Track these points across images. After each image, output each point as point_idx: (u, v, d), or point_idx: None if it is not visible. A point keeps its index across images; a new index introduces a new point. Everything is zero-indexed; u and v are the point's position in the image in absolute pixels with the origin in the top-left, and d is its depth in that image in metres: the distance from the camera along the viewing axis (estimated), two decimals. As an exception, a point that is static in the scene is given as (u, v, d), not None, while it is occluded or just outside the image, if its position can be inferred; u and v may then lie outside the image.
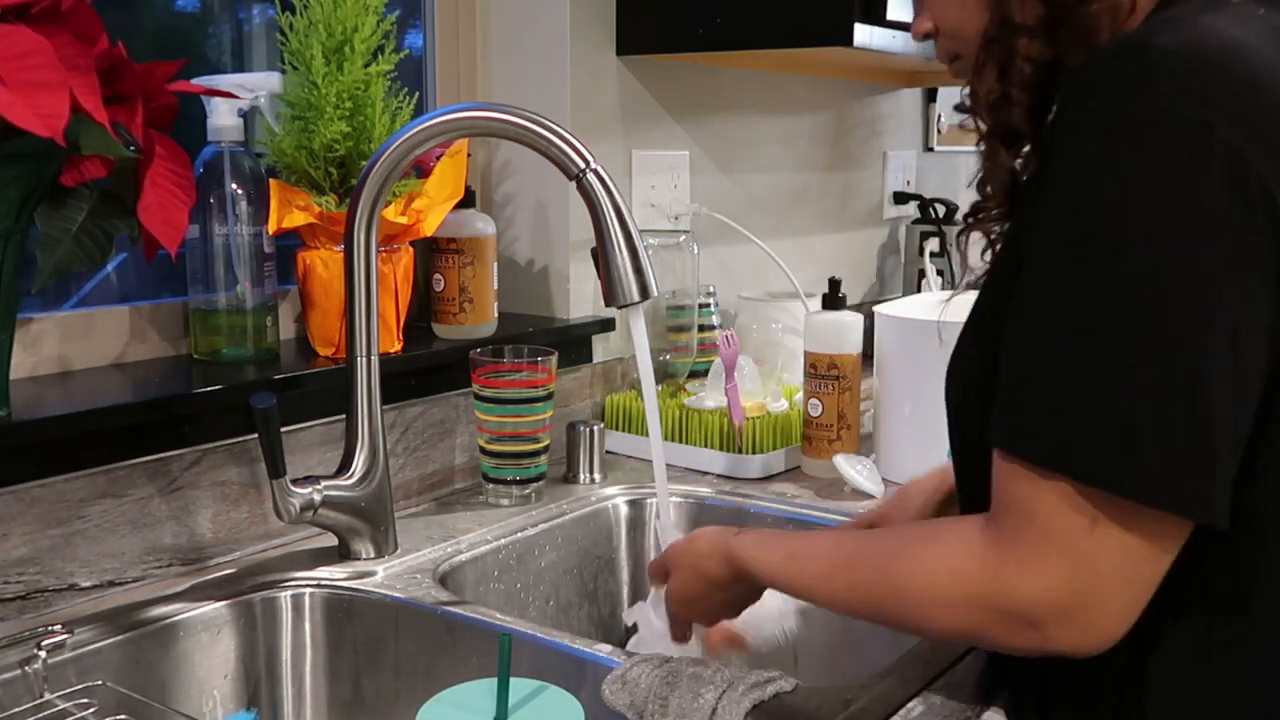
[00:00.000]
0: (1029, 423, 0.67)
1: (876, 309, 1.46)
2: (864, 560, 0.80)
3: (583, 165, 0.99)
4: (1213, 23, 0.68)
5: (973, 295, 0.82)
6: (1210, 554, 0.69)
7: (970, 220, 0.82)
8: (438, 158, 1.34)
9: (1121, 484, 0.64)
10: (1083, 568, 0.66)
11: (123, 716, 0.87)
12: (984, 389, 0.72)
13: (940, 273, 2.13)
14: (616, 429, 1.51)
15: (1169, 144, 0.64)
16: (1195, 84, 0.64)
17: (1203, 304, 0.63)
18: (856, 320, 1.42)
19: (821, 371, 1.40)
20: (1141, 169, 0.64)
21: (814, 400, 1.40)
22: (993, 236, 0.81)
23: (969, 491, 0.83)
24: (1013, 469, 0.68)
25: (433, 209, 1.31)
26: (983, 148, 0.79)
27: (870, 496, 1.34)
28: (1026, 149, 0.79)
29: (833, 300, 1.43)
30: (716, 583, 0.93)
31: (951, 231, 2.17)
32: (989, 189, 0.80)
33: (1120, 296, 0.64)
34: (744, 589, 0.93)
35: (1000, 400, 0.70)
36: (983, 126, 0.79)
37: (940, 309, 0.93)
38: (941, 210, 2.19)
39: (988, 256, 0.82)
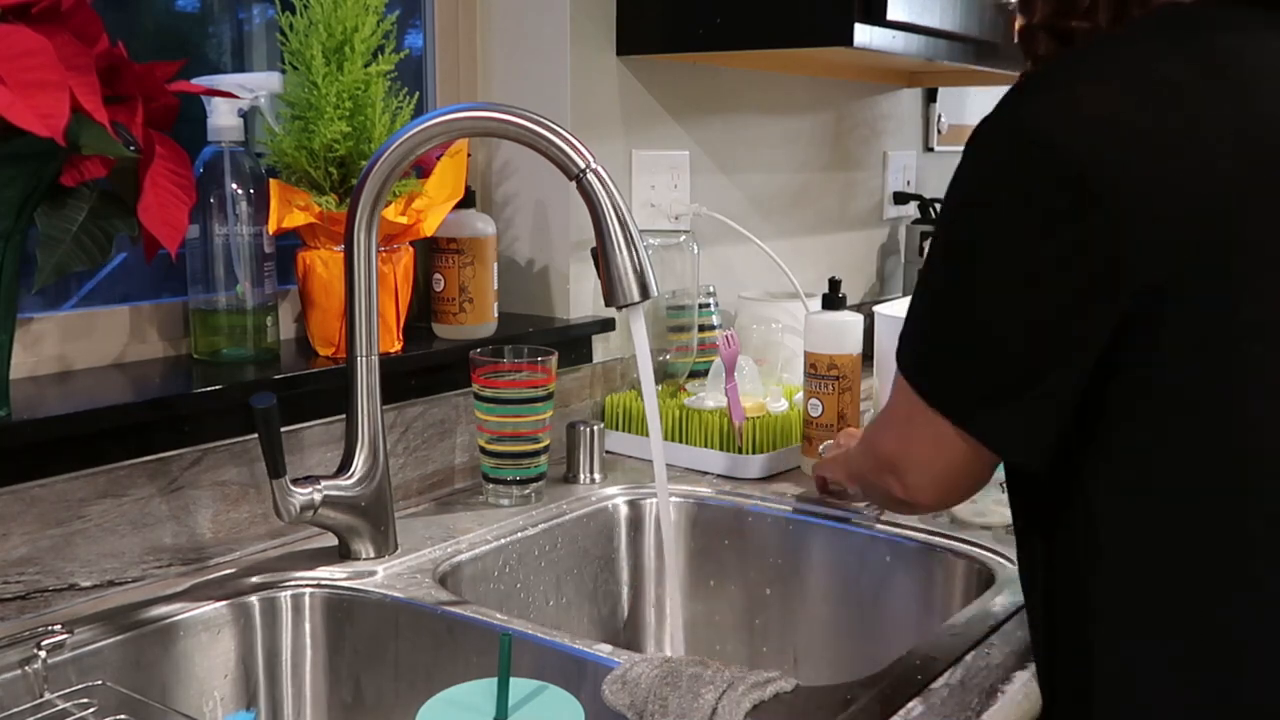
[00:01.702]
0: (900, 341, 0.83)
1: (876, 309, 1.46)
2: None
3: (583, 165, 0.99)
4: (1124, 59, 0.74)
5: None
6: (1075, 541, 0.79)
7: None
8: (438, 158, 1.34)
9: (922, 386, 0.80)
10: (906, 436, 0.83)
11: (123, 716, 0.87)
12: None
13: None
14: (616, 429, 1.51)
15: (1009, 149, 0.75)
16: (1052, 113, 0.73)
17: (1006, 262, 0.74)
18: (856, 320, 1.42)
19: (821, 371, 1.40)
20: (982, 171, 0.76)
21: (814, 400, 1.40)
22: None
23: None
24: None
25: (433, 209, 1.31)
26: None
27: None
28: None
29: (833, 300, 1.43)
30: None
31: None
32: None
33: (949, 251, 0.78)
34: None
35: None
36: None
37: None
38: (941, 210, 2.19)
39: None
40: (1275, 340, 0.71)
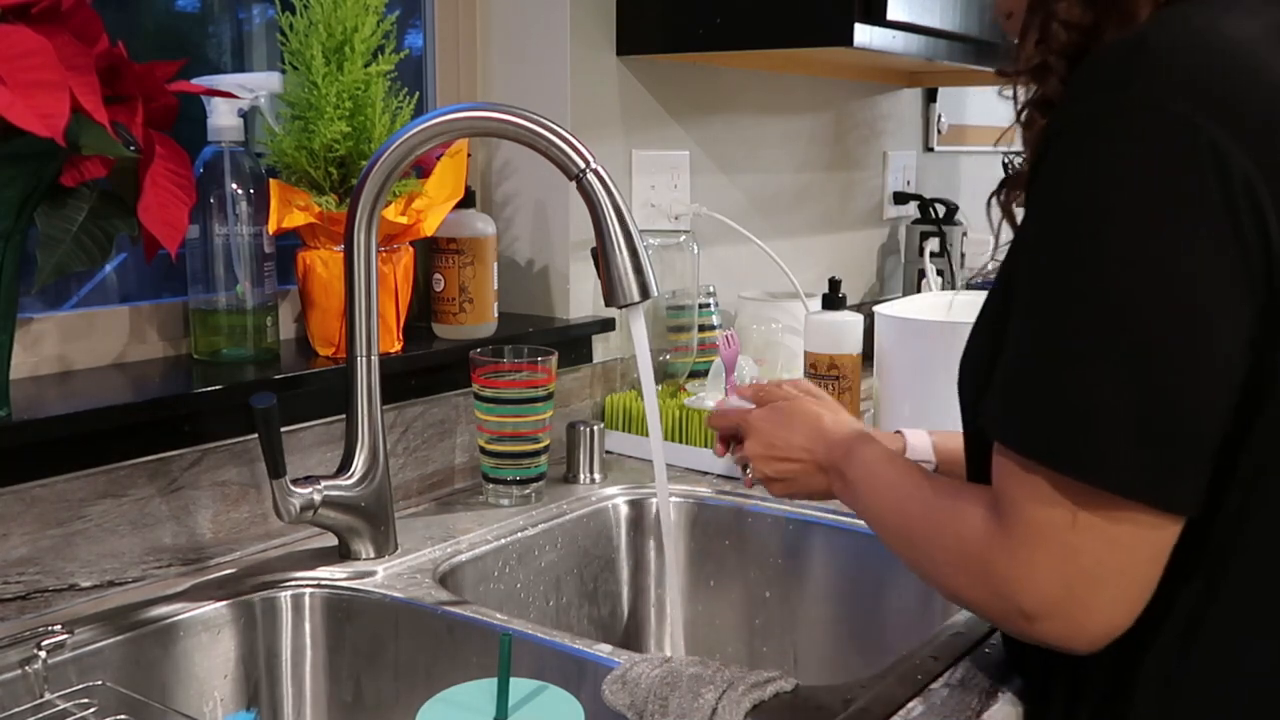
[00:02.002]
0: (1014, 414, 0.69)
1: (876, 309, 1.47)
2: (911, 504, 0.82)
3: (583, 165, 0.99)
4: (1215, 21, 0.68)
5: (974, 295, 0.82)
6: (1191, 552, 0.69)
7: (1002, 191, 0.81)
8: (438, 158, 1.34)
9: (1095, 474, 0.65)
10: (1067, 561, 0.67)
11: (123, 716, 0.87)
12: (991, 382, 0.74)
13: (940, 273, 2.13)
14: (616, 429, 1.51)
15: (1156, 143, 0.64)
16: (1186, 84, 0.65)
17: (1180, 305, 0.64)
18: (856, 320, 1.42)
19: (821, 372, 1.40)
20: (1128, 169, 0.65)
21: None
22: (1015, 210, 0.81)
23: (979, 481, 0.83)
24: (1002, 458, 0.70)
25: (433, 209, 1.31)
26: (1022, 117, 0.79)
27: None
28: None
29: (833, 300, 1.43)
30: (802, 459, 0.96)
31: (952, 232, 2.18)
32: (1023, 158, 0.79)
33: (1099, 296, 0.65)
34: (819, 481, 0.95)
35: (992, 391, 0.71)
36: (1020, 94, 0.78)
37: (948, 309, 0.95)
38: (941, 210, 2.19)
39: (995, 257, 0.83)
40: None
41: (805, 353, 1.42)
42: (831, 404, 1.04)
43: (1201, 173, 0.63)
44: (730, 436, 1.08)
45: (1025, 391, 0.68)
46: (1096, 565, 0.66)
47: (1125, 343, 0.64)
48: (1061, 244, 0.67)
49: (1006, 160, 0.82)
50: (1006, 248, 0.80)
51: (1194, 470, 0.66)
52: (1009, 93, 0.79)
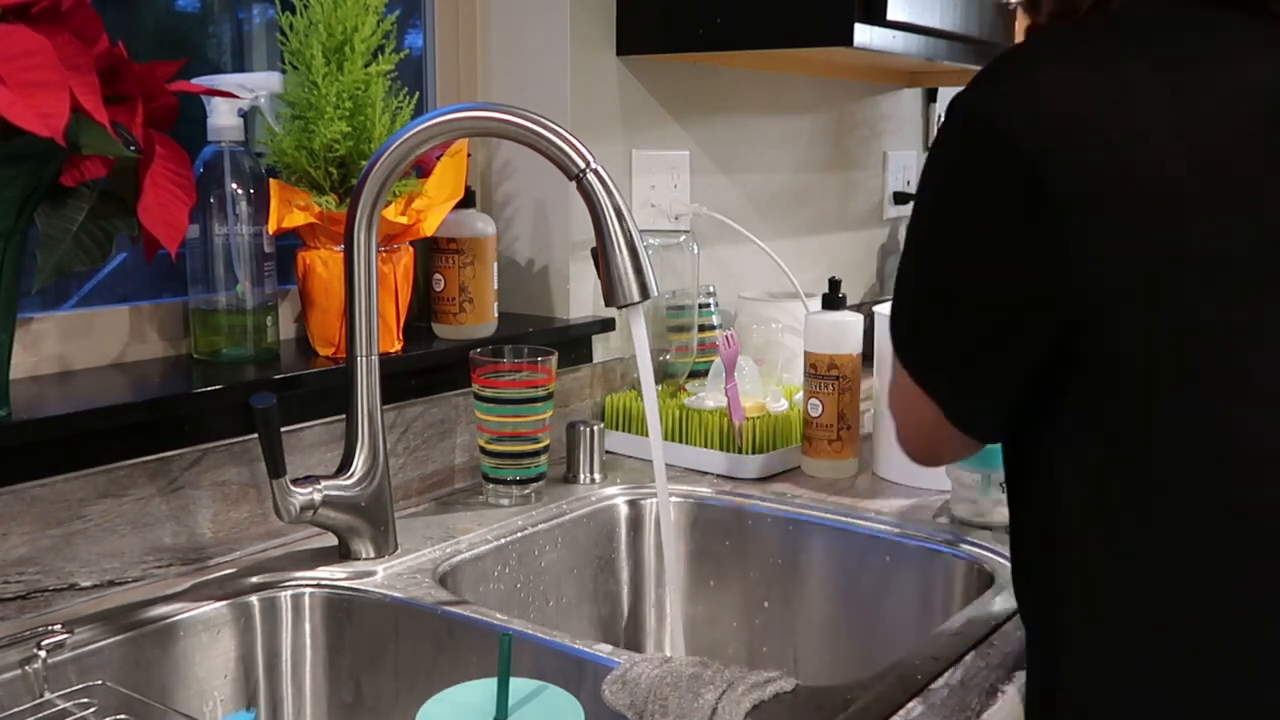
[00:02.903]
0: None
1: (876, 309, 1.46)
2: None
3: (583, 165, 0.99)
4: (1085, 47, 0.74)
5: None
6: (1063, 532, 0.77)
7: None
8: (438, 158, 1.34)
9: (902, 355, 0.83)
10: (895, 392, 0.87)
11: (123, 716, 0.87)
12: None
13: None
14: (616, 429, 1.51)
15: (971, 145, 0.74)
16: (1011, 102, 0.72)
17: (956, 247, 0.76)
18: (857, 320, 1.42)
19: (821, 372, 1.40)
20: (942, 165, 0.77)
21: (814, 400, 1.40)
22: None
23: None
24: None
25: (433, 209, 1.31)
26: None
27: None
28: None
29: (833, 300, 1.43)
30: None
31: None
32: None
33: (913, 233, 0.80)
34: None
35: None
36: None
37: None
38: (941, 210, 2.19)
39: None
40: (1230, 341, 0.70)
41: (805, 353, 1.42)
42: None
43: (980, 153, 0.73)
44: None
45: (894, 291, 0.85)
46: (897, 403, 0.88)
47: (918, 271, 0.80)
48: (912, 215, 0.82)
49: None
50: None
51: (963, 377, 0.79)
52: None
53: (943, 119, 0.78)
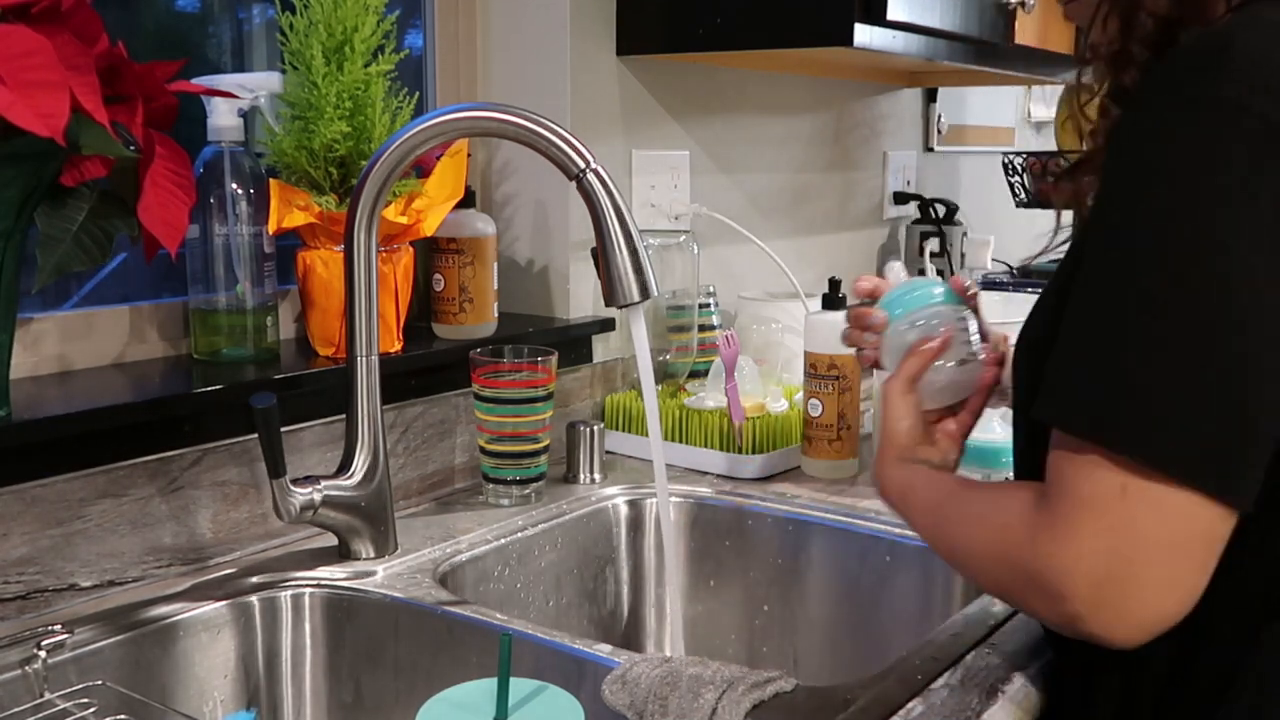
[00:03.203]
0: (1069, 394, 0.68)
1: (877, 309, 1.46)
2: (949, 507, 0.82)
3: (583, 165, 0.99)
4: None
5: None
6: (1243, 551, 0.68)
7: (1070, 172, 0.81)
8: (438, 158, 1.34)
9: (1146, 449, 0.64)
10: (1114, 534, 0.65)
11: (123, 716, 0.87)
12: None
13: (940, 273, 2.13)
14: (616, 429, 1.51)
15: (1237, 142, 0.64)
16: (1268, 86, 0.64)
17: (1248, 299, 0.63)
18: None
19: (821, 372, 1.40)
20: (1209, 165, 0.64)
21: (814, 400, 1.40)
22: (1085, 197, 0.79)
23: (1029, 465, 0.81)
24: (1057, 441, 0.69)
25: (433, 209, 1.31)
26: (1091, 104, 0.79)
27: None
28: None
29: (833, 300, 1.43)
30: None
31: (952, 232, 2.18)
32: (1096, 142, 0.78)
33: (1166, 282, 0.64)
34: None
35: (1047, 372, 0.70)
36: (1093, 80, 0.78)
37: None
38: (941, 210, 2.19)
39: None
40: None
41: (805, 353, 1.42)
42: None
43: (1276, 166, 0.63)
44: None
45: (1080, 372, 0.67)
46: (1143, 542, 0.64)
47: (1185, 331, 0.64)
48: (1133, 233, 0.67)
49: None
50: (1067, 233, 0.80)
51: (1247, 456, 0.64)
52: (1085, 77, 0.79)
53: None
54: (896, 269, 1.04)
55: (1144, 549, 0.65)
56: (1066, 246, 0.83)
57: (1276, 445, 0.66)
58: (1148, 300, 0.65)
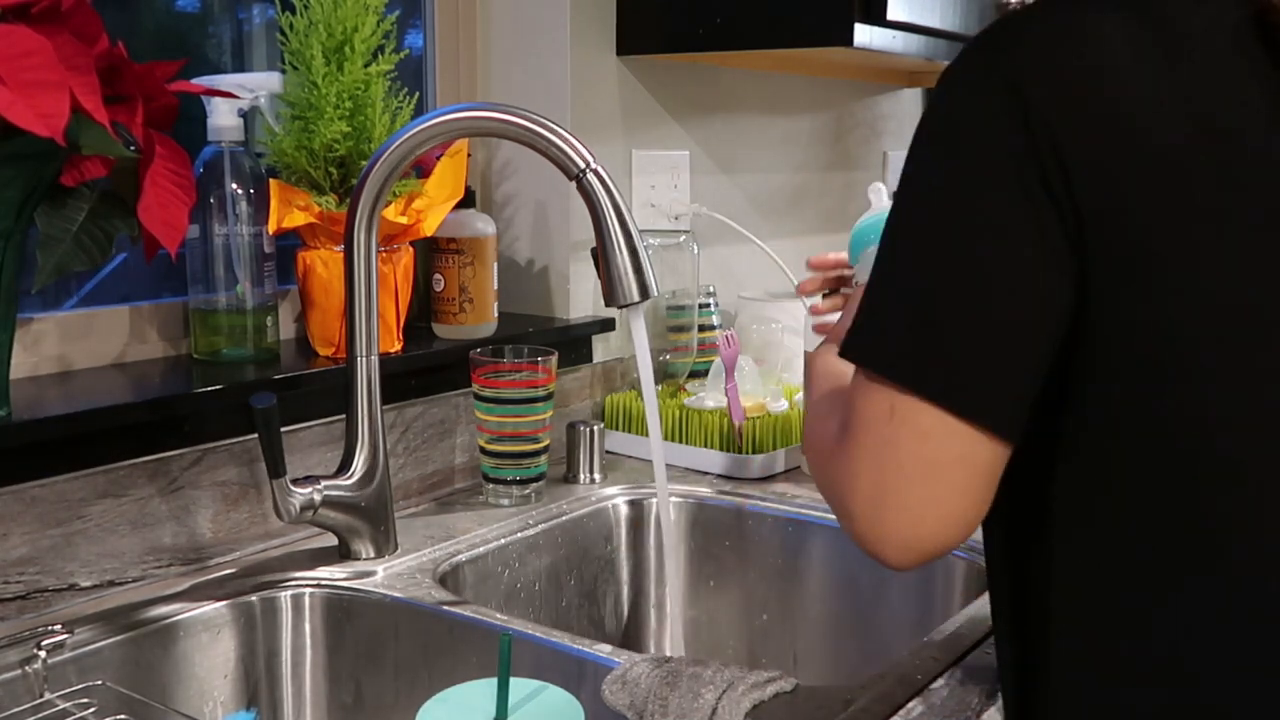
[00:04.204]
0: (855, 330, 0.73)
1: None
2: (811, 401, 0.89)
3: (583, 165, 0.99)
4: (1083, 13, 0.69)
5: None
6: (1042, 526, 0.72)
7: None
8: (438, 158, 1.34)
9: (903, 373, 0.68)
10: (880, 453, 0.69)
11: (123, 716, 0.87)
12: None
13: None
14: (616, 429, 1.51)
15: (978, 96, 0.68)
16: (1029, 56, 0.67)
17: (980, 228, 0.67)
18: None
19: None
20: (950, 118, 0.70)
21: None
22: None
23: None
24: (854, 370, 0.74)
25: (433, 209, 1.31)
26: None
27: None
28: None
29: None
30: None
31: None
32: None
33: (909, 219, 0.70)
34: None
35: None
36: None
37: None
38: (941, 210, 2.19)
39: None
40: (1229, 316, 0.66)
41: (805, 354, 1.41)
42: None
43: (1004, 122, 0.67)
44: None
45: (865, 310, 0.73)
46: (904, 461, 0.69)
47: (929, 260, 0.69)
48: (901, 186, 0.72)
49: None
50: None
51: (998, 381, 0.68)
52: None
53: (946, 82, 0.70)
54: (880, 191, 1.08)
55: (905, 469, 0.69)
56: None
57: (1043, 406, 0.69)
58: (904, 242, 0.71)
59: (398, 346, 1.31)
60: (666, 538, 1.07)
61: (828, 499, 0.77)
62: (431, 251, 1.40)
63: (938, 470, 0.68)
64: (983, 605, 1.05)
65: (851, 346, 0.73)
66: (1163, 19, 0.68)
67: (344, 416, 1.13)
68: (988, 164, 0.67)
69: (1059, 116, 0.66)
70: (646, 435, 1.37)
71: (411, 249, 1.33)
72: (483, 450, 1.31)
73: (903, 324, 0.69)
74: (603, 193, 0.99)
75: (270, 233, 1.20)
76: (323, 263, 1.25)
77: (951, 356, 0.68)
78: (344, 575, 1.11)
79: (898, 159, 2.25)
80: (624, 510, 1.37)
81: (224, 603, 1.05)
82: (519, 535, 1.25)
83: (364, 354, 1.11)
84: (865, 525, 0.71)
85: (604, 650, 0.96)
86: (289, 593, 1.09)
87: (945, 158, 0.69)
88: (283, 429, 1.04)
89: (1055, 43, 0.68)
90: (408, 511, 1.29)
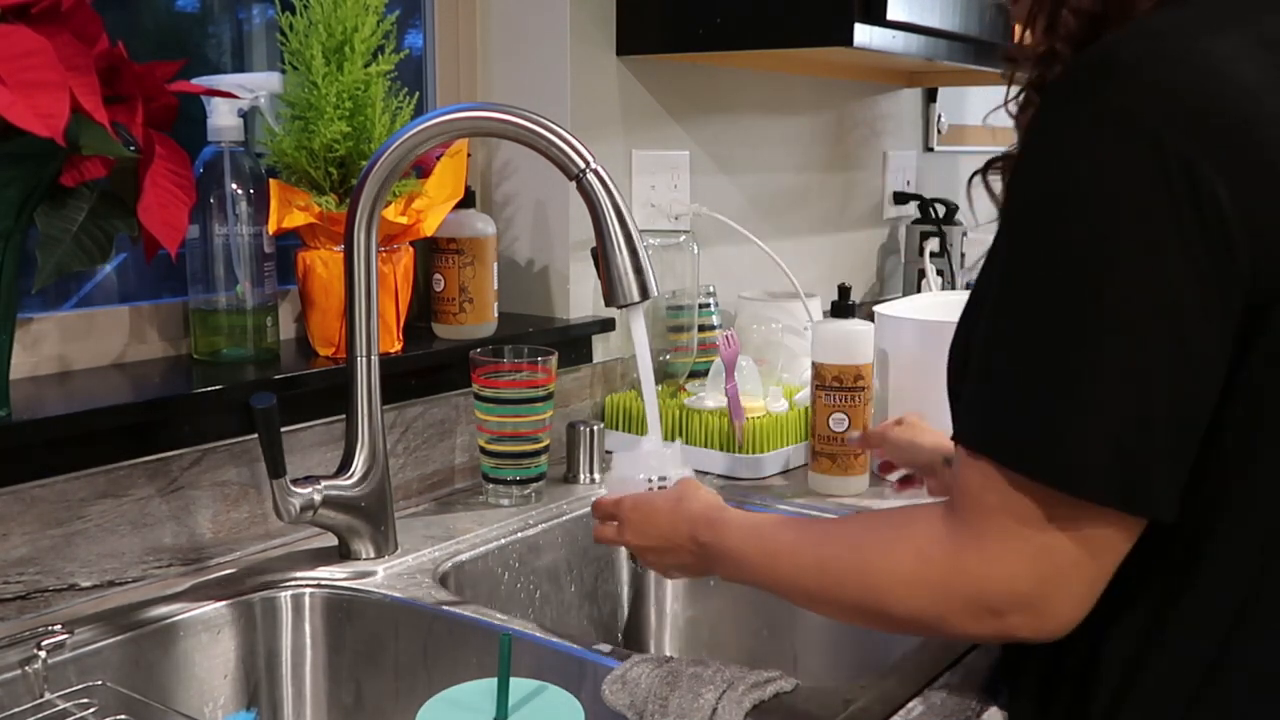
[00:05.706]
0: (984, 417, 0.70)
1: (877, 309, 1.46)
2: (835, 541, 0.82)
3: (583, 165, 0.99)
4: (1189, 31, 0.67)
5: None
6: (1165, 548, 0.70)
7: (993, 164, 0.82)
8: (438, 158, 1.34)
9: (1067, 482, 0.66)
10: (1042, 558, 0.68)
11: (123, 716, 0.87)
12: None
13: (940, 273, 2.13)
14: (616, 429, 1.51)
15: (1124, 156, 0.65)
16: (1154, 94, 0.65)
17: (1148, 307, 0.64)
18: (868, 330, 1.37)
19: (848, 384, 1.35)
20: (1094, 176, 0.65)
21: (839, 415, 1.35)
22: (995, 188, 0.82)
23: None
24: (971, 463, 0.70)
25: (433, 209, 1.31)
26: (1020, 98, 0.80)
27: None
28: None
29: (842, 308, 1.39)
30: (677, 559, 0.94)
31: (952, 232, 2.17)
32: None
33: (1066, 298, 0.66)
34: (703, 567, 0.93)
35: (964, 396, 0.73)
36: (1022, 78, 0.79)
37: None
38: (941, 210, 2.19)
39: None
40: None
41: (821, 364, 1.37)
42: (692, 485, 0.99)
43: (1169, 183, 0.64)
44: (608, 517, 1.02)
45: (992, 394, 0.70)
46: (1069, 561, 0.68)
47: (1090, 349, 0.65)
48: (1032, 253, 0.68)
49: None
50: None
51: (1168, 476, 0.67)
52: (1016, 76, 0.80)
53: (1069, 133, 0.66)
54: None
55: (1066, 571, 0.68)
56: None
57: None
58: (1048, 326, 0.66)
59: (398, 346, 1.31)
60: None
61: (936, 603, 0.73)
62: (431, 251, 1.40)
63: (1096, 558, 0.69)
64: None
65: (991, 441, 0.69)
66: (1275, 40, 0.67)
67: (344, 416, 1.13)
68: (1159, 245, 0.64)
69: (1216, 173, 0.63)
70: (646, 435, 1.37)
71: (411, 249, 1.33)
72: (483, 450, 1.31)
73: (1099, 440, 0.66)
74: (603, 193, 0.99)
75: (270, 233, 1.20)
76: (323, 263, 1.25)
77: (1136, 462, 0.65)
78: (344, 575, 1.11)
79: (898, 159, 2.26)
80: (624, 510, 1.37)
81: (224, 603, 1.05)
82: (519, 535, 1.25)
83: (364, 354, 1.11)
84: (1027, 619, 0.70)
85: (604, 650, 0.96)
86: (289, 593, 1.09)
87: (1105, 239, 0.65)
88: (283, 429, 1.04)
89: (1190, 84, 0.65)
90: (408, 511, 1.29)
